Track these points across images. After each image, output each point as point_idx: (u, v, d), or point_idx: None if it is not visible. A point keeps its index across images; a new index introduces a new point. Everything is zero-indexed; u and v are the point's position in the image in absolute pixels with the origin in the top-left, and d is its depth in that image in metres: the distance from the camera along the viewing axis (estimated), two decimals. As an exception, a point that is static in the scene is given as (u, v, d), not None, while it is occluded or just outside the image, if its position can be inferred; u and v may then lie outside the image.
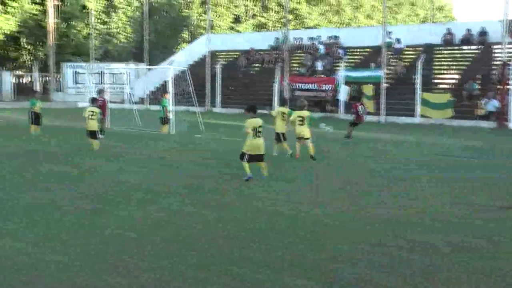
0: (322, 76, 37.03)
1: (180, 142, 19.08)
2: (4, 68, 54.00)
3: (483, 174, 13.11)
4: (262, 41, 44.87)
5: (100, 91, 20.75)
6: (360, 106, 20.54)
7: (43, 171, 12.88)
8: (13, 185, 11.07)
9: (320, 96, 34.25)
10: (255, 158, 11.77)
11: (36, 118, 20.92)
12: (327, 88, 33.96)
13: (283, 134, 15.55)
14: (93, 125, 16.56)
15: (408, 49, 38.59)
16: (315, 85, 34.64)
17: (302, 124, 15.09)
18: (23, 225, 8.07)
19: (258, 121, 11.84)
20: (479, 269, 6.42)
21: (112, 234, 7.66)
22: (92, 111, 16.65)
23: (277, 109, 16.71)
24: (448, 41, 37.57)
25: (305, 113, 15.36)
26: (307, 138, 15.05)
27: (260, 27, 68.23)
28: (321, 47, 40.82)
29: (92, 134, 16.60)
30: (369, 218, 8.65)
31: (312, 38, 42.67)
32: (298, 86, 35.09)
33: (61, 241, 7.28)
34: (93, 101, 17.53)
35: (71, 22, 54.20)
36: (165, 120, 22.21)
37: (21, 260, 6.51)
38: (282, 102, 18.95)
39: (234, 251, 6.95)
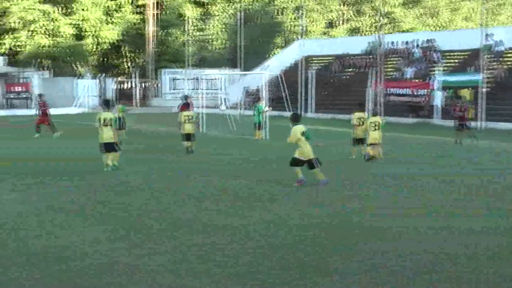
0: (417, 81, 36.23)
1: (273, 147, 19.28)
2: (107, 75, 56.68)
3: None
4: (356, 45, 44.47)
5: (184, 98, 21.27)
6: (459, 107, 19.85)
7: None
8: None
9: (414, 102, 33.53)
10: (305, 163, 11.79)
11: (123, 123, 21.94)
12: (422, 93, 33.18)
13: (360, 139, 16.24)
14: (189, 128, 17.31)
15: (510, 51, 36.97)
16: (410, 90, 33.95)
17: (375, 130, 15.54)
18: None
19: (302, 128, 11.89)
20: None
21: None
22: (188, 116, 17.48)
23: (355, 115, 16.94)
24: (553, 42, 35.71)
25: (378, 119, 16.14)
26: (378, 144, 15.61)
27: (354, 31, 67.56)
28: (417, 51, 39.93)
29: (188, 137, 17.35)
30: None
31: (407, 42, 41.85)
32: (392, 91, 34.53)
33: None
34: (187, 106, 18.32)
35: (169, 30, 56.13)
36: (259, 126, 22.51)
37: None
38: (360, 108, 19.23)
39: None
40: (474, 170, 14.72)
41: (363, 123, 16.27)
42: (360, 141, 16.33)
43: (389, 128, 27.91)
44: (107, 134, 13.67)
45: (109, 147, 13.78)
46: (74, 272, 6.30)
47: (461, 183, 12.36)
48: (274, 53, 56.39)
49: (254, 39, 54.29)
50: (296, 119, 12.22)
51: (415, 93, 33.46)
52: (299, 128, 11.80)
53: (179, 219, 8.81)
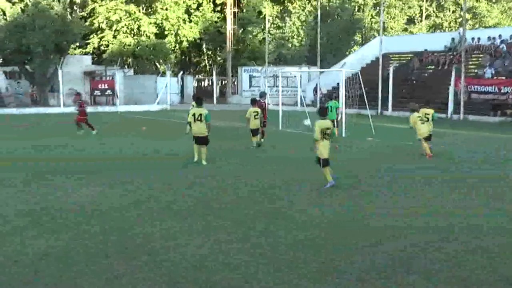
0: (503, 78, 34.91)
1: (350, 146, 19.20)
2: (187, 72, 57.99)
3: None
4: (437, 42, 43.35)
5: (262, 95, 21.37)
6: None
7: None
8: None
9: (499, 100, 32.33)
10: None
11: None
12: (507, 91, 31.96)
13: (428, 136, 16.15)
14: (256, 123, 18.26)
15: None
16: (495, 87, 32.78)
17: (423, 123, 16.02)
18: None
19: (327, 123, 11.34)
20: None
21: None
22: (256, 111, 18.30)
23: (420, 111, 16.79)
24: None
25: (431, 110, 16.71)
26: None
27: (435, 27, 65.94)
28: (503, 46, 38.45)
29: (255, 132, 18.30)
30: None
31: (491, 38, 40.37)
32: (476, 88, 33.48)
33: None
34: (254, 102, 18.84)
35: (248, 28, 56.70)
36: (336, 124, 22.30)
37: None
38: (426, 103, 18.88)
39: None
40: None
41: (428, 119, 16.31)
42: (428, 138, 16.15)
43: (471, 127, 27.24)
44: (199, 129, 14.45)
45: (201, 141, 14.59)
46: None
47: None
48: (353, 50, 55.88)
49: (332, 36, 54.02)
50: (322, 114, 11.60)
51: (501, 91, 32.25)
52: (322, 124, 11.24)
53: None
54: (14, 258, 6.79)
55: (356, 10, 59.79)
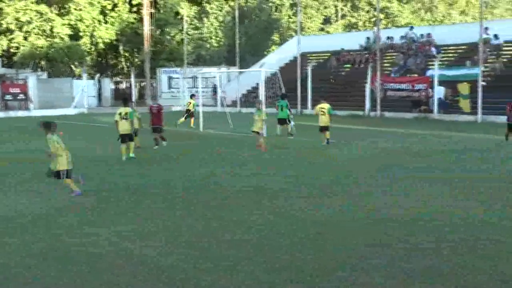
0: (415, 75, 36.18)
1: (273, 144, 19.24)
2: (104, 75, 56.60)
3: None
4: (353, 41, 44.35)
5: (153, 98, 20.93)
6: None
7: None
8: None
9: (413, 96, 33.44)
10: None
11: None
12: (420, 88, 33.10)
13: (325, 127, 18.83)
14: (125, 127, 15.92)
15: (507, 45, 36.89)
16: (408, 85, 33.87)
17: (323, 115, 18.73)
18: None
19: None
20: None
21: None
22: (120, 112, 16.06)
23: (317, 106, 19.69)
24: (551, 34, 35.51)
25: (326, 105, 19.04)
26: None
27: (351, 27, 67.54)
28: (414, 46, 39.85)
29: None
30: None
31: (404, 37, 41.75)
32: (390, 86, 34.47)
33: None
34: (125, 102, 16.83)
35: (165, 29, 56.05)
36: (288, 121, 22.44)
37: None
38: (324, 99, 21.09)
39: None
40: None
41: (324, 113, 18.79)
42: (324, 128, 18.85)
43: (388, 123, 28.03)
44: (125, 126, 15.60)
45: (128, 138, 15.77)
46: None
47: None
48: (271, 50, 56.32)
49: (251, 37, 54.26)
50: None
51: (414, 88, 33.36)
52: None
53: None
54: None
55: (274, 10, 60.30)
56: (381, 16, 57.01)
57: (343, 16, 69.43)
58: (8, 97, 42.36)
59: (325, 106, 19.06)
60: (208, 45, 56.52)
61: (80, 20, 51.51)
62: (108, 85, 54.55)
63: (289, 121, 22.18)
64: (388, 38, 42.19)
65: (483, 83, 30.88)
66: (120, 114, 15.68)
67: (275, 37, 60.93)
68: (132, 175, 13.09)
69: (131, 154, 15.84)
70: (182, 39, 52.20)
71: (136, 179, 12.52)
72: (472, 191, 10.82)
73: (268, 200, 10.01)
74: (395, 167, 12.62)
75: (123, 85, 67.60)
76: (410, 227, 8.08)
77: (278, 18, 59.64)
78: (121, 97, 49.88)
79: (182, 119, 26.37)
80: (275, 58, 46.43)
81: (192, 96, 26.81)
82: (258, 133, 17.83)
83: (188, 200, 10.18)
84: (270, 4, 59.66)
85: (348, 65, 42.86)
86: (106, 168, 14.40)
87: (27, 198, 10.60)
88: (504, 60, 35.32)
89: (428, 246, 7.22)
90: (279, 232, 7.87)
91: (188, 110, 26.76)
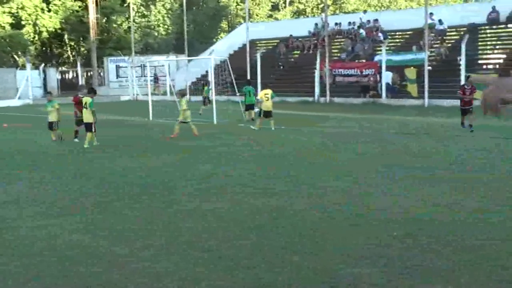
0: (363, 61, 36.62)
1: (227, 132, 19.12)
2: (49, 64, 55.18)
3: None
4: (301, 27, 44.56)
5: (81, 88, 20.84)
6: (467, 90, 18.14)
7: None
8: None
9: (362, 82, 33.84)
10: None
11: None
12: (369, 73, 33.52)
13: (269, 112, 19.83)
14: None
15: (451, 30, 37.71)
16: (357, 70, 34.25)
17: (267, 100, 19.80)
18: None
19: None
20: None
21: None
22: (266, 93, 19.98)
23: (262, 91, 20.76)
24: (493, 19, 36.51)
25: (269, 91, 20.04)
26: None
27: (299, 13, 67.82)
28: (362, 31, 40.28)
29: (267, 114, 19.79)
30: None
31: (351, 23, 42.16)
32: (339, 72, 34.77)
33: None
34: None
35: (112, 17, 54.99)
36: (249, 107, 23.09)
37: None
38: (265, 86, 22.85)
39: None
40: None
41: (268, 98, 19.78)
42: (268, 113, 19.83)
43: (337, 109, 28.31)
44: (85, 115, 16.20)
45: (86, 127, 16.23)
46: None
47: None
48: (220, 37, 56.03)
49: (199, 24, 53.84)
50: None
51: (363, 73, 33.76)
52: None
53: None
54: None
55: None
56: (329, 2, 57.41)
57: (291, 3, 69.64)
58: None
59: (269, 91, 20.02)
60: (156, 33, 55.79)
61: (22, 8, 49.97)
62: (54, 75, 53.22)
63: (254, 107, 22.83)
64: (336, 24, 42.54)
65: (429, 67, 31.53)
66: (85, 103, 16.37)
67: (224, 25, 60.69)
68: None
69: (85, 145, 15.95)
70: (129, 27, 51.32)
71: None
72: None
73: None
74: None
75: (69, 75, 66.13)
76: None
77: (226, 5, 59.33)
78: (68, 87, 49.36)
79: (203, 106, 26.38)
80: (224, 46, 46.20)
81: (206, 83, 26.81)
82: (185, 123, 18.28)
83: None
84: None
85: (297, 52, 43.04)
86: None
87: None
88: (448, 45, 36.11)
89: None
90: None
91: (205, 97, 26.97)
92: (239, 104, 24.34)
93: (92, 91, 17.49)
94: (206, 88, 24.16)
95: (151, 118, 24.44)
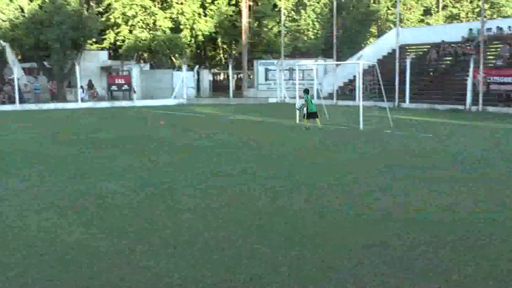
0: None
1: (370, 138, 19.14)
2: (202, 66, 58.10)
3: None
4: (454, 33, 43.03)
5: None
6: None
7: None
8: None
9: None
10: None
11: None
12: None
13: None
14: None
15: None
16: (514, 78, 32.38)
17: None
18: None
19: None
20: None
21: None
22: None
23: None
24: None
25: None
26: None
27: (452, 18, 65.36)
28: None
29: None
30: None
31: (511, 27, 39.94)
32: (495, 79, 33.13)
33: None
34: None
35: (263, 21, 56.63)
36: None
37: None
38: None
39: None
40: None
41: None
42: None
43: (490, 118, 27.04)
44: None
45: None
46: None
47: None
48: (368, 42, 55.58)
49: (348, 29, 53.81)
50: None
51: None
52: None
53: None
54: None
55: (372, 1, 59.42)
56: (486, 6, 54.77)
57: (445, 7, 67.32)
58: (113, 87, 44.51)
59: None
60: (305, 37, 56.58)
61: (181, 14, 53.09)
62: (207, 76, 55.96)
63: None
64: (492, 29, 40.56)
65: None
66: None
67: (373, 29, 60.07)
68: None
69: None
70: (279, 31, 52.58)
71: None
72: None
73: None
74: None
75: (220, 77, 69.11)
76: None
77: (377, 9, 58.68)
78: (219, 88, 51.47)
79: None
80: (373, 50, 45.82)
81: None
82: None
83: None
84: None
85: (449, 58, 41.63)
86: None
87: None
88: None
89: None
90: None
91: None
92: (386, 110, 24.12)
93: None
94: (306, 95, 22.68)
95: (297, 121, 24.94)
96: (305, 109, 22.44)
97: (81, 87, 42.01)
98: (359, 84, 23.68)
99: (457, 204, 9.23)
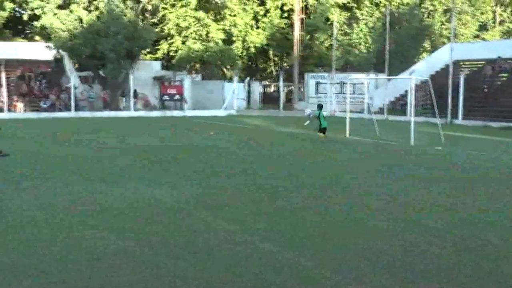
0: None
1: (419, 154, 18.89)
2: (253, 78, 58.51)
3: None
4: (511, 49, 42.10)
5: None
6: None
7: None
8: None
9: None
10: None
11: None
12: None
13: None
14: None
15: None
16: None
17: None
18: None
19: None
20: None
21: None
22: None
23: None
24: None
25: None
26: None
27: (509, 34, 63.95)
28: None
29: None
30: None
31: None
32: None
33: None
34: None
35: (315, 34, 56.69)
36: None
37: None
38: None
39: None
40: None
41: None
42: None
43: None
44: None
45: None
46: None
47: None
48: (421, 57, 54.88)
49: (400, 43, 53.28)
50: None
51: None
52: None
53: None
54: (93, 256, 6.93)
55: (426, 16, 58.72)
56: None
57: (502, 22, 65.92)
58: (165, 97, 45.30)
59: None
60: (356, 51, 56.33)
61: (234, 26, 53.71)
62: (257, 88, 56.33)
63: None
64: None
65: None
66: None
67: (426, 44, 59.30)
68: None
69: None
70: (331, 45, 52.54)
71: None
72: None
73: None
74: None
75: (271, 89, 69.41)
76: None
77: (430, 24, 57.94)
78: (269, 100, 51.75)
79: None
80: (425, 65, 45.24)
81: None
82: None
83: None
84: (423, 10, 58.17)
85: (505, 74, 40.71)
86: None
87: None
88: None
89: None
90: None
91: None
92: (438, 126, 23.74)
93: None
94: (318, 111, 22.57)
95: (347, 135, 24.82)
96: (317, 123, 22.51)
97: (126, 95, 42.86)
98: (411, 99, 23.32)
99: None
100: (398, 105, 42.92)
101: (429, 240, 7.46)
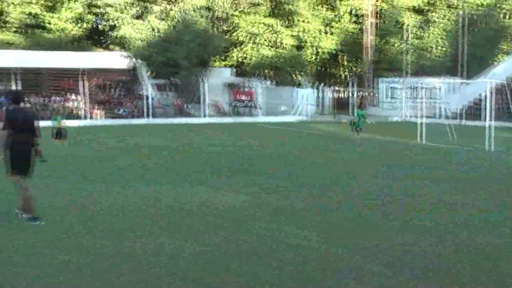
0: None
1: (493, 160, 18.32)
2: (324, 84, 58.40)
3: None
4: None
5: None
6: None
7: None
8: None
9: None
10: None
11: (58, 133, 22.23)
12: None
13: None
14: None
15: None
16: None
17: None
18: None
19: None
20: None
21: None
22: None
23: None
24: None
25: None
26: None
27: None
28: None
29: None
30: None
31: None
32: None
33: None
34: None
35: (387, 38, 56.00)
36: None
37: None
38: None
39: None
40: None
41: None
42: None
43: None
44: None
45: None
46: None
47: None
48: (497, 59, 53.13)
49: (477, 46, 51.82)
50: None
51: None
52: None
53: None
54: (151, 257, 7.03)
55: (503, 17, 56.79)
56: None
57: None
58: (238, 103, 45.90)
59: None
60: (430, 55, 55.22)
61: (304, 31, 53.80)
62: (328, 94, 56.12)
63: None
64: None
65: None
66: None
67: (505, 46, 57.37)
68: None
69: None
70: (403, 49, 51.76)
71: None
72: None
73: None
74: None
75: (342, 94, 68.92)
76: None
77: (508, 25, 56.00)
78: (340, 106, 51.58)
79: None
80: (503, 68, 43.77)
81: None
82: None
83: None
84: (500, 10, 56.30)
85: None
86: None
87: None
88: None
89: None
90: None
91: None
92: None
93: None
94: (359, 111, 23.14)
95: (419, 140, 24.23)
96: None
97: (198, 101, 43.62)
98: (488, 103, 22.63)
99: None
100: (474, 109, 41.70)
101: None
